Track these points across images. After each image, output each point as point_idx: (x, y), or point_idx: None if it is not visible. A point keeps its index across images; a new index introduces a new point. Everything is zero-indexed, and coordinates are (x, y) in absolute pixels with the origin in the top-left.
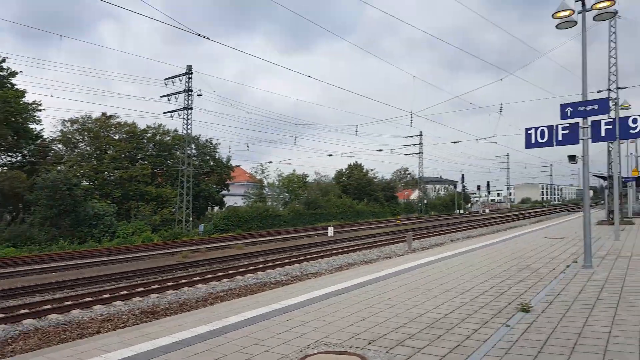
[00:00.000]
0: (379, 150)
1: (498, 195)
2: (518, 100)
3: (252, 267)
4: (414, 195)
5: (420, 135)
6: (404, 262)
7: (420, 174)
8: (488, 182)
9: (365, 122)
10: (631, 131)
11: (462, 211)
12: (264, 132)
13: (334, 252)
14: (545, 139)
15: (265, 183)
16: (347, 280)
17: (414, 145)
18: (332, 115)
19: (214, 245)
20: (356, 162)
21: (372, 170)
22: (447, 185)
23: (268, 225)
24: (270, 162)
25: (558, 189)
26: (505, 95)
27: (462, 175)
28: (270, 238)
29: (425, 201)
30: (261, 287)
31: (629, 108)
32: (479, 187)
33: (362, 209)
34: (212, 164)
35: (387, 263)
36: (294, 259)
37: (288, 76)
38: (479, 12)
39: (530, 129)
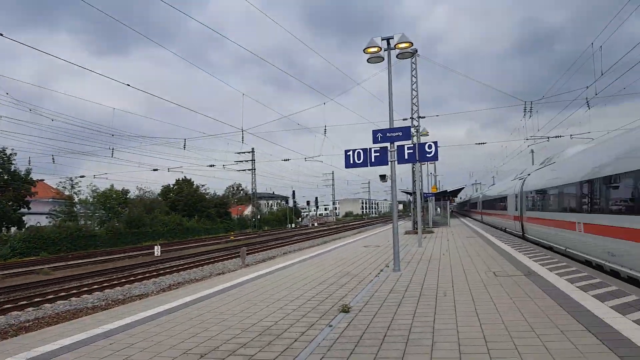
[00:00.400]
0: (210, 165)
1: (325, 209)
2: (340, 122)
3: (63, 293)
4: (248, 210)
5: (253, 151)
6: (237, 276)
7: (254, 190)
8: (316, 198)
9: (195, 136)
10: (427, 155)
11: (293, 225)
12: (73, 143)
13: (162, 272)
14: (361, 160)
15: (77, 199)
16: (178, 299)
17: (246, 161)
18: (157, 127)
19: (12, 271)
20: (185, 177)
21: (203, 185)
22: (279, 201)
23: (81, 246)
24: (82, 177)
25: (375, 203)
26: (329, 116)
27: (293, 191)
28: (86, 261)
29: (258, 216)
30: (76, 313)
31: (427, 135)
32: (308, 202)
33: (193, 226)
34: (6, 177)
35: (220, 279)
36: (115, 282)
37: (103, 81)
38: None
39: (349, 151)
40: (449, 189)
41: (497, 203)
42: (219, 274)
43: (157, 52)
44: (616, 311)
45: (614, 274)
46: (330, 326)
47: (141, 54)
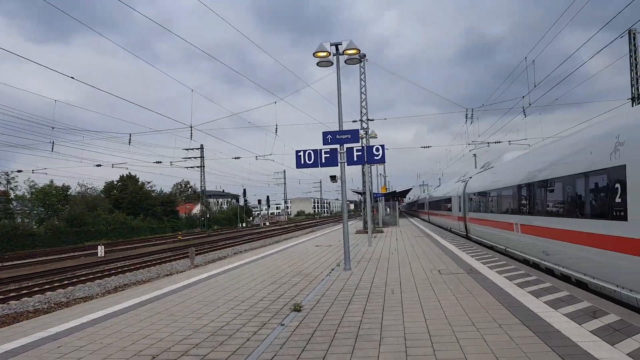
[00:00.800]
0: (157, 162)
1: (277, 208)
2: (293, 120)
3: (1, 297)
4: (196, 209)
5: (202, 148)
6: (187, 277)
7: (203, 188)
8: (268, 197)
9: (140, 131)
10: (375, 157)
11: (244, 225)
12: (9, 135)
13: (107, 273)
14: (312, 161)
15: (13, 195)
16: (126, 301)
17: (195, 158)
18: (99, 120)
19: None
20: (130, 173)
21: (149, 183)
22: (230, 199)
23: (18, 246)
24: (19, 171)
25: (327, 203)
26: (281, 114)
27: (244, 189)
28: (24, 262)
29: (208, 215)
30: (17, 317)
31: (376, 137)
32: (259, 201)
33: (139, 225)
34: None
35: (170, 280)
36: (57, 284)
37: (41, 70)
38: (255, 32)
39: (299, 151)
40: (398, 189)
41: (442, 204)
42: (167, 275)
43: (101, 42)
44: (549, 306)
45: (549, 271)
46: (283, 325)
47: (83, 42)
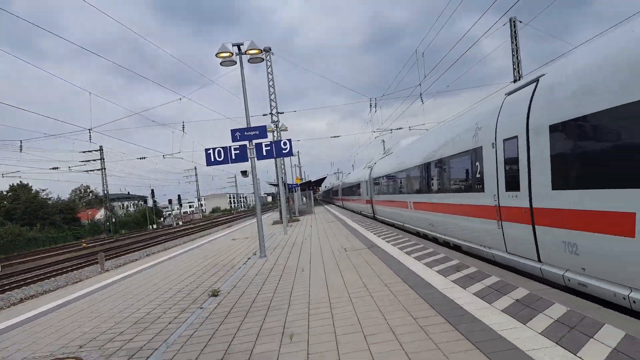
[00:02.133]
0: (54, 168)
1: (190, 207)
2: (200, 116)
3: None
4: (100, 214)
5: (101, 150)
6: (100, 281)
7: (105, 192)
8: (179, 195)
9: (34, 137)
10: (283, 151)
11: (155, 226)
12: None
13: (8, 287)
14: (222, 158)
15: None
16: (42, 306)
17: (94, 160)
18: None
19: None
20: (21, 182)
21: (43, 190)
22: (137, 202)
23: None
24: None
25: (244, 197)
26: (188, 109)
27: (152, 190)
28: None
29: (113, 220)
30: None
31: (286, 130)
32: (170, 201)
33: (36, 235)
34: None
35: (82, 284)
36: None
37: None
38: (153, 23)
39: (209, 149)
40: (314, 179)
41: (353, 189)
42: (77, 282)
43: None
44: (427, 266)
45: (435, 240)
46: (202, 308)
47: None
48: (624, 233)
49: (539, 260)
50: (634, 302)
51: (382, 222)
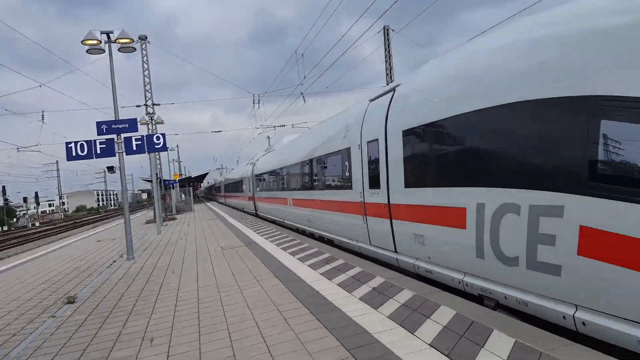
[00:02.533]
0: None
1: (50, 205)
2: (65, 106)
3: None
4: None
5: None
6: None
7: None
8: (36, 193)
9: None
10: (156, 146)
11: (5, 228)
12: None
13: None
14: (85, 152)
15: None
16: None
17: None
18: None
19: None
20: None
21: None
22: None
23: None
24: None
25: (114, 194)
26: (49, 99)
27: (3, 187)
28: None
29: None
30: None
31: (163, 123)
32: (25, 199)
33: None
34: None
35: None
36: None
37: None
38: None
39: (70, 143)
40: (195, 174)
41: (236, 186)
42: None
43: None
44: (300, 261)
45: (312, 235)
46: (54, 316)
47: None
48: (458, 225)
49: (396, 251)
50: (467, 285)
51: (265, 219)
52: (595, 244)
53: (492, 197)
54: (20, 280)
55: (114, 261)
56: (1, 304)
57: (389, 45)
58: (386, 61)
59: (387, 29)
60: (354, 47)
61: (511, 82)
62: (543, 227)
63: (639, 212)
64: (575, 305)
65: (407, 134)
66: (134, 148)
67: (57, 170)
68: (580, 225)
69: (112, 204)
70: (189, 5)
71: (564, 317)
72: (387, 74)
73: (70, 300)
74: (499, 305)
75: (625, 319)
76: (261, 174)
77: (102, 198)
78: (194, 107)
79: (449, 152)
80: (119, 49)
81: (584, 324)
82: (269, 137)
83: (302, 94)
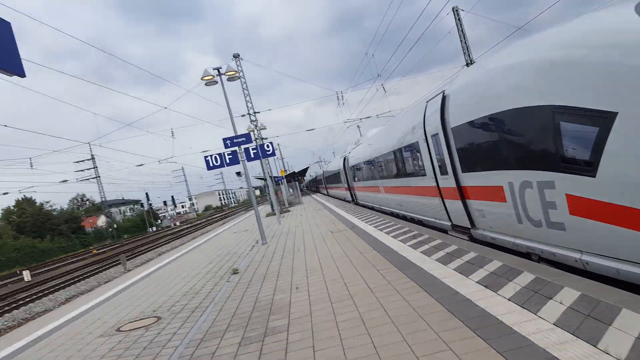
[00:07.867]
0: (63, 181)
1: (182, 207)
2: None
3: None
4: (101, 221)
5: (93, 158)
6: (132, 277)
7: (103, 199)
8: (172, 197)
9: (39, 154)
10: (267, 152)
11: (155, 229)
12: None
13: (50, 290)
14: (219, 163)
15: None
16: (107, 292)
17: (88, 169)
18: None
19: None
20: (24, 196)
21: (47, 202)
22: (132, 205)
23: None
24: None
25: (232, 192)
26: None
27: (147, 193)
28: None
29: (115, 225)
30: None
31: (265, 129)
32: (165, 203)
33: (48, 246)
34: None
35: (118, 281)
36: (7, 308)
37: None
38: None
39: (207, 156)
40: (297, 169)
41: (334, 178)
42: (108, 281)
43: None
44: (394, 238)
45: (404, 217)
46: (229, 281)
47: None
48: (501, 199)
49: (472, 225)
50: (516, 245)
51: (362, 206)
52: (577, 205)
53: (517, 176)
54: (194, 261)
55: (253, 246)
56: (191, 276)
57: (461, 24)
58: (461, 40)
59: (457, 10)
60: (432, 25)
61: (510, 93)
62: (547, 196)
63: (594, 183)
64: (580, 250)
65: (456, 130)
66: (252, 156)
67: (184, 175)
68: (566, 194)
69: (232, 201)
70: (265, 6)
71: (576, 260)
72: (464, 52)
73: (235, 272)
74: (541, 259)
75: (608, 256)
76: (352, 166)
77: (223, 197)
78: (287, 102)
79: (487, 143)
80: (227, 79)
81: (587, 264)
82: (359, 127)
83: (382, 85)
